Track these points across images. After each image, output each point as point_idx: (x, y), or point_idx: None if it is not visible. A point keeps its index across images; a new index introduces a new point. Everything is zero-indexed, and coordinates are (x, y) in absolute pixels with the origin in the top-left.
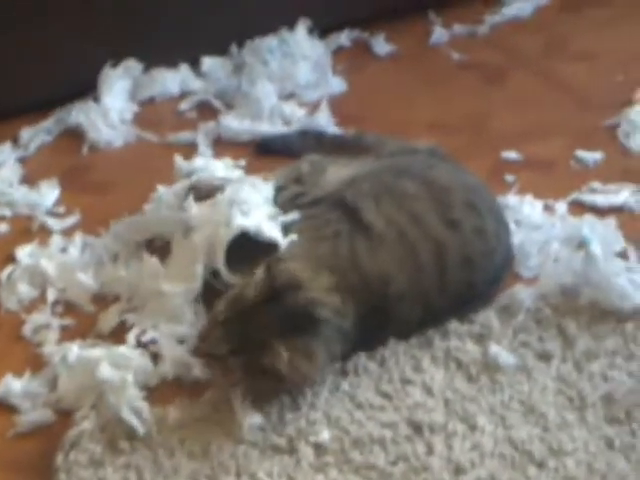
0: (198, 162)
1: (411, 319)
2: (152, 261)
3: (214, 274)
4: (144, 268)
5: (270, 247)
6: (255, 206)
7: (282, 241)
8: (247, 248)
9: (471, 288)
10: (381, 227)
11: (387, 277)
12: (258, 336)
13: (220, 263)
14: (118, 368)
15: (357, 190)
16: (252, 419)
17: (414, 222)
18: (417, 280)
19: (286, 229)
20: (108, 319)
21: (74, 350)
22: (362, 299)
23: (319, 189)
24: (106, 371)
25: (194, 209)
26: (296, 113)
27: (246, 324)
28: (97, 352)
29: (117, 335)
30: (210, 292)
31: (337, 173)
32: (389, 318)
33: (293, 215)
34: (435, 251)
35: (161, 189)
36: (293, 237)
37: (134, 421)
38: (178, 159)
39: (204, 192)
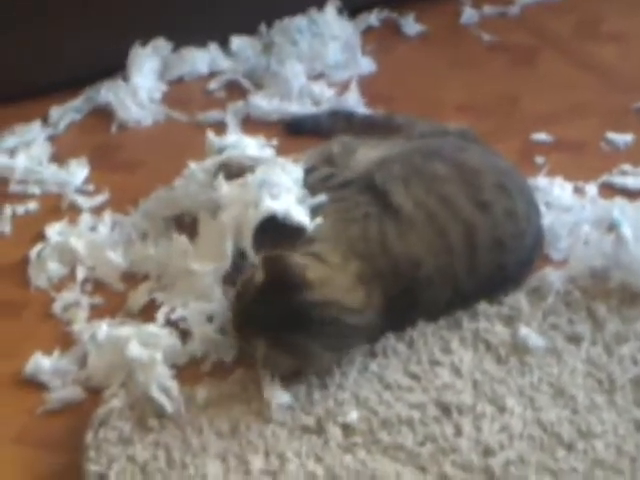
0: (230, 138)
1: (440, 301)
2: (181, 239)
3: (241, 255)
4: (173, 246)
5: (298, 230)
6: (285, 189)
7: (310, 225)
8: (275, 231)
9: (501, 270)
10: (410, 209)
11: (416, 260)
12: (253, 323)
13: (247, 245)
14: (147, 346)
15: (387, 172)
16: (281, 399)
17: (444, 204)
18: (447, 262)
19: (315, 211)
20: (137, 297)
21: (103, 328)
22: (391, 283)
23: (349, 170)
24: (135, 349)
25: (224, 188)
26: (325, 93)
27: (248, 307)
28: (126, 330)
29: (146, 313)
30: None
31: (367, 154)
32: (417, 301)
33: (321, 198)
34: (465, 233)
35: (192, 165)
36: (319, 220)
37: (163, 399)
38: (210, 135)
39: (234, 170)
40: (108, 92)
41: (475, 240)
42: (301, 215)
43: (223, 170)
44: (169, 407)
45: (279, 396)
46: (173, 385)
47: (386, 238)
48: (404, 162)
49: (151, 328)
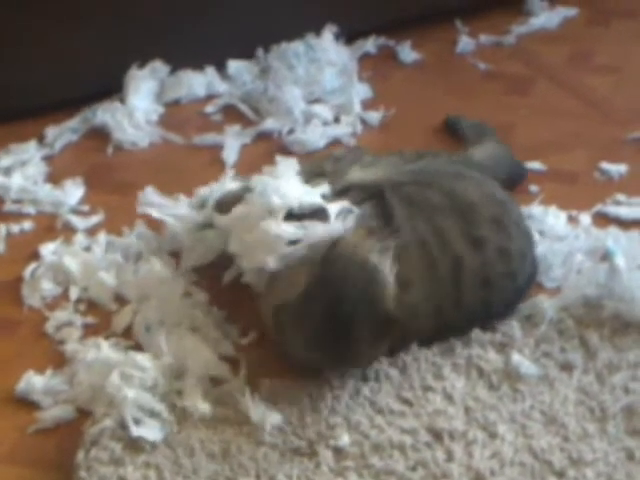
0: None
1: (424, 331)
2: (154, 262)
3: None
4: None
5: (319, 213)
6: (289, 188)
7: (327, 206)
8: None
9: (487, 307)
10: (407, 233)
11: (406, 281)
12: None
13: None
14: (136, 370)
15: (395, 191)
16: (272, 421)
17: (437, 235)
18: (433, 292)
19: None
20: (121, 319)
21: (94, 350)
22: None
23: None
24: (127, 370)
25: (224, 219)
26: (327, 117)
27: None
28: (115, 354)
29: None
30: None
31: (360, 176)
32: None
33: (324, 187)
34: (453, 267)
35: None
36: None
37: (142, 431)
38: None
39: (228, 202)
40: (105, 113)
41: (462, 276)
42: (315, 198)
43: (217, 207)
44: (151, 436)
45: (271, 418)
46: (162, 408)
47: None
48: (405, 186)
49: (139, 355)
